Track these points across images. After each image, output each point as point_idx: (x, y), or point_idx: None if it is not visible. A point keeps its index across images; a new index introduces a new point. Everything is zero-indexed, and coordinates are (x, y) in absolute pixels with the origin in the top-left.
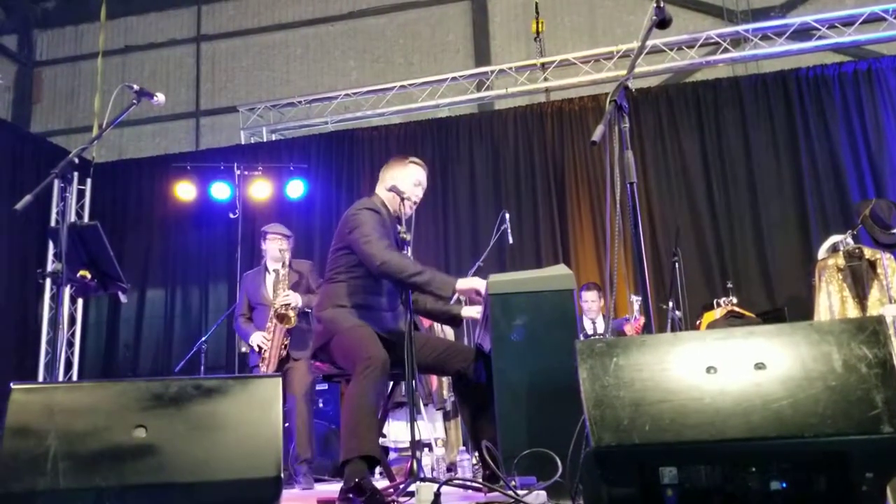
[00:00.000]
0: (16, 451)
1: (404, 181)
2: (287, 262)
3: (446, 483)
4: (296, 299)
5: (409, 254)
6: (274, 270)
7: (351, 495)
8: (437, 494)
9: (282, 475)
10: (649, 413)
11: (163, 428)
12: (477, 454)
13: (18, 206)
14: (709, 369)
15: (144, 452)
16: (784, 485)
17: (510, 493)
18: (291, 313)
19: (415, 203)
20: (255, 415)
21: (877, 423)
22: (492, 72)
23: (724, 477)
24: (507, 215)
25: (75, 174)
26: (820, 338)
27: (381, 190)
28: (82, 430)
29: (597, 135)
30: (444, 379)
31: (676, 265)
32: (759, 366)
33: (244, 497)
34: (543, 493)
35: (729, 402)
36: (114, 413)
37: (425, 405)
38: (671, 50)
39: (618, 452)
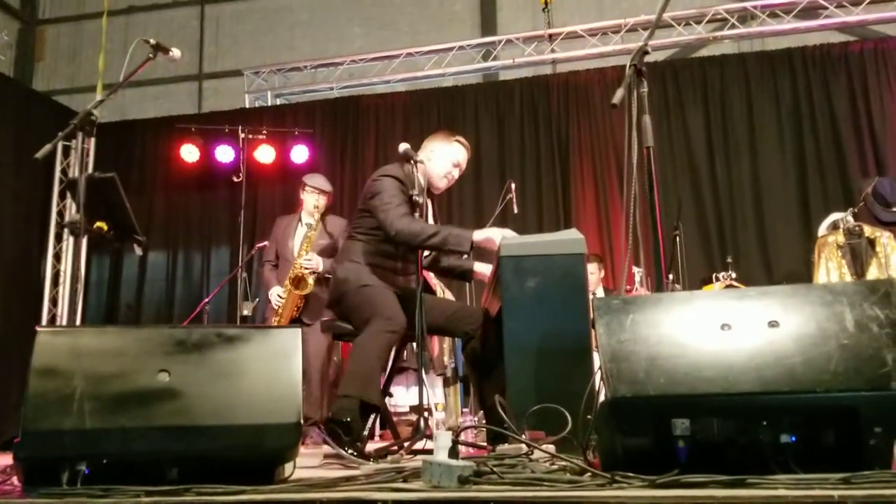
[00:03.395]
0: (42, 391)
1: (442, 157)
2: (318, 220)
3: (462, 432)
4: (318, 263)
5: (430, 217)
6: (306, 224)
7: (334, 427)
8: (455, 440)
9: (301, 422)
10: (664, 367)
11: (186, 373)
12: (482, 414)
13: (39, 154)
14: (723, 326)
15: (168, 396)
16: (794, 438)
17: (527, 442)
18: (310, 279)
19: (448, 182)
20: (275, 363)
21: (887, 380)
22: (498, 42)
23: (736, 430)
24: (513, 185)
25: (87, 139)
26: (833, 298)
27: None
28: (107, 373)
29: (617, 98)
30: (445, 345)
31: (677, 239)
32: (773, 324)
33: (265, 441)
34: (552, 447)
35: (742, 357)
36: (138, 357)
37: (426, 371)
38: (679, 24)
39: (633, 404)
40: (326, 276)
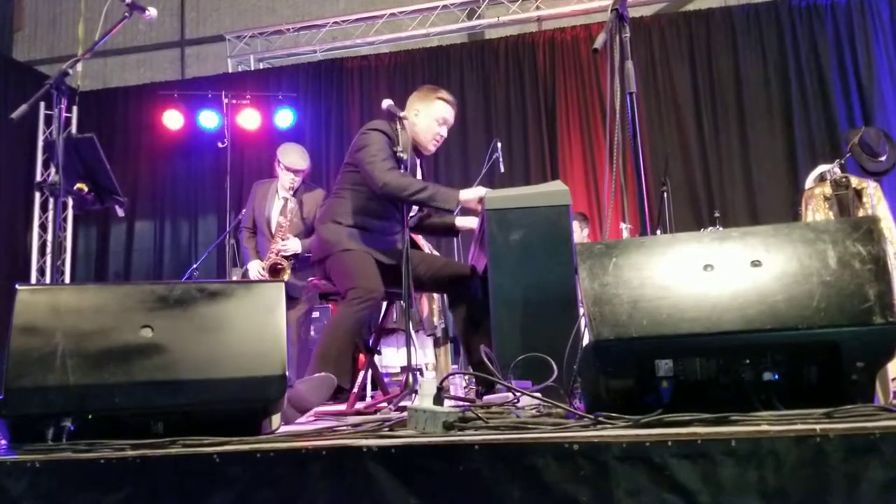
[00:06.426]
0: (24, 349)
1: (427, 117)
2: (293, 194)
3: (447, 378)
4: (294, 246)
5: (420, 176)
6: (283, 198)
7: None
8: (440, 389)
9: (286, 374)
10: (647, 309)
11: (169, 328)
12: (470, 369)
13: (14, 115)
14: (706, 267)
15: (151, 351)
16: (776, 376)
17: (512, 388)
18: (285, 263)
19: (436, 141)
20: (259, 317)
21: (869, 314)
22: (483, 0)
23: (719, 369)
24: (499, 144)
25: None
26: (816, 236)
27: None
28: (89, 330)
29: (598, 42)
30: (435, 305)
31: (665, 194)
32: (756, 263)
33: (250, 394)
34: (538, 394)
35: (725, 297)
36: (120, 314)
37: (416, 331)
38: None
39: (616, 346)
40: (307, 254)
